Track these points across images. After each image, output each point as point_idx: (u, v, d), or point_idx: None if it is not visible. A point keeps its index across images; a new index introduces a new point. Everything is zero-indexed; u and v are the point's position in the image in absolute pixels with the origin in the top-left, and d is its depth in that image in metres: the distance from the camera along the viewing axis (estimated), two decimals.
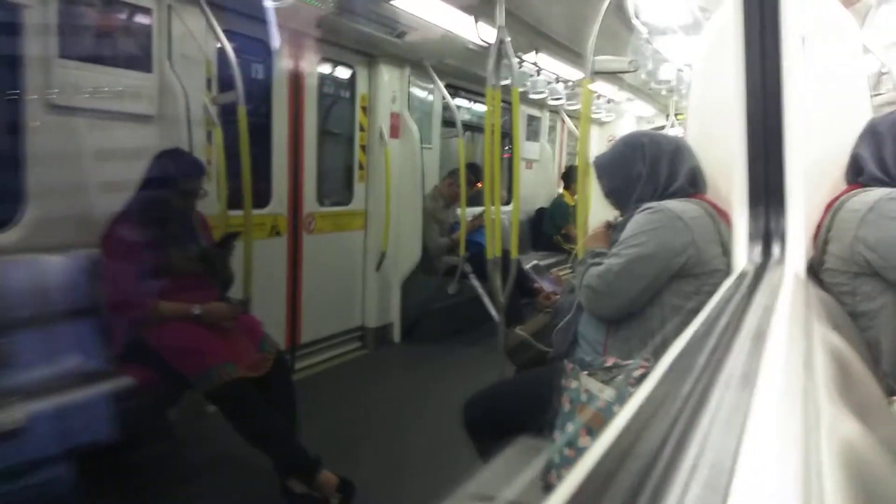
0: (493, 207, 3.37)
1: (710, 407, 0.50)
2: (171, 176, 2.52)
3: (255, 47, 3.71)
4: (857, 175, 1.70)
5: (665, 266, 1.63)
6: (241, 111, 3.12)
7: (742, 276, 1.17)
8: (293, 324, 4.05)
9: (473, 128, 5.96)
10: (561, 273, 5.56)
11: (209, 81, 3.24)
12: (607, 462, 0.42)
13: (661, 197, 1.75)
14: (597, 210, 2.56)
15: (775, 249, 1.29)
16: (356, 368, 4.29)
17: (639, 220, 1.68)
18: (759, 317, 0.78)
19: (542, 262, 5.68)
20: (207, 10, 3.04)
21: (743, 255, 1.31)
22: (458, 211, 4.79)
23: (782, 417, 0.51)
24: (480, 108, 6.01)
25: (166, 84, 2.96)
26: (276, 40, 3.17)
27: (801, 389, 0.60)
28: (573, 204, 6.44)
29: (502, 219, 3.76)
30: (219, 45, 3.17)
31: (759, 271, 1.20)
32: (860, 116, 1.82)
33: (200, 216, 2.74)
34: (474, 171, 4.89)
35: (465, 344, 4.66)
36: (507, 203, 5.73)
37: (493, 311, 4.41)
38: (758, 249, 1.30)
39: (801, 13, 1.42)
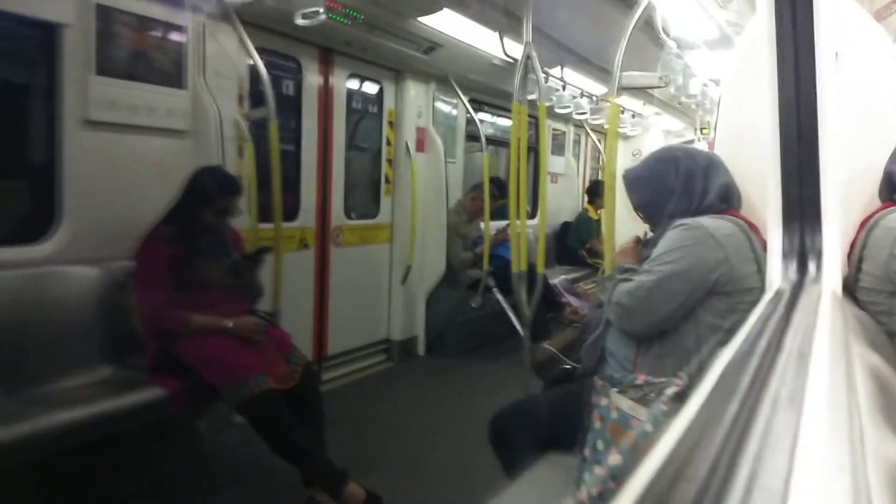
0: (518, 221, 3.36)
1: (757, 428, 0.49)
2: (208, 194, 2.56)
3: (286, 64, 3.78)
4: (891, 192, 1.67)
5: (699, 284, 1.60)
6: (272, 126, 3.18)
7: (778, 294, 1.16)
8: (320, 336, 4.08)
9: (497, 142, 5.97)
10: (586, 288, 5.53)
11: (241, 97, 3.30)
12: (658, 485, 0.42)
13: (695, 212, 1.72)
14: (623, 225, 2.54)
15: (811, 267, 1.27)
16: (381, 381, 4.30)
17: (673, 236, 1.66)
18: (800, 337, 0.78)
19: (569, 277, 5.66)
20: (240, 28, 3.11)
21: (778, 272, 1.30)
22: (482, 225, 4.78)
23: (830, 439, 0.51)
24: (503, 122, 6.03)
25: (199, 100, 3.02)
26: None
27: (845, 411, 0.60)
28: (597, 218, 6.41)
29: (527, 233, 3.75)
30: (251, 62, 3.23)
31: (796, 290, 1.18)
32: (895, 132, 1.79)
33: (233, 230, 2.78)
34: (498, 185, 4.86)
35: (489, 357, 4.66)
36: (532, 217, 5.74)
37: (517, 325, 4.39)
38: (793, 267, 1.28)
39: (834, 28, 1.40)
